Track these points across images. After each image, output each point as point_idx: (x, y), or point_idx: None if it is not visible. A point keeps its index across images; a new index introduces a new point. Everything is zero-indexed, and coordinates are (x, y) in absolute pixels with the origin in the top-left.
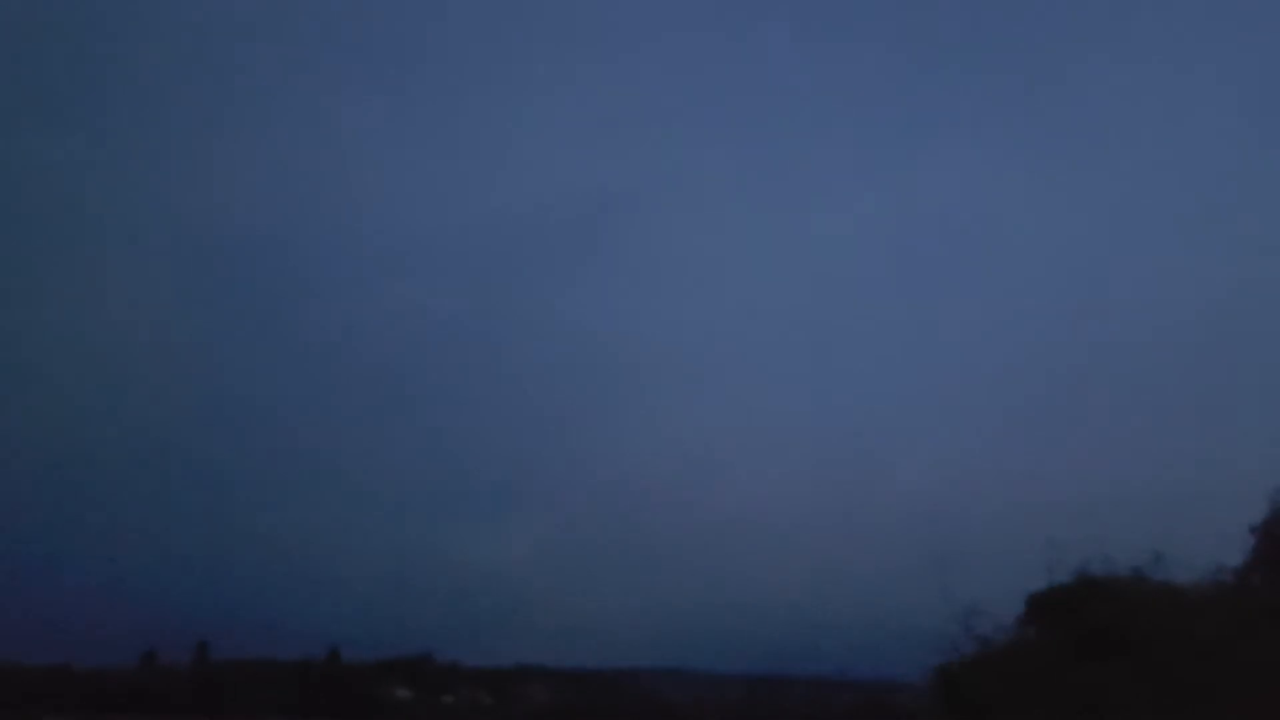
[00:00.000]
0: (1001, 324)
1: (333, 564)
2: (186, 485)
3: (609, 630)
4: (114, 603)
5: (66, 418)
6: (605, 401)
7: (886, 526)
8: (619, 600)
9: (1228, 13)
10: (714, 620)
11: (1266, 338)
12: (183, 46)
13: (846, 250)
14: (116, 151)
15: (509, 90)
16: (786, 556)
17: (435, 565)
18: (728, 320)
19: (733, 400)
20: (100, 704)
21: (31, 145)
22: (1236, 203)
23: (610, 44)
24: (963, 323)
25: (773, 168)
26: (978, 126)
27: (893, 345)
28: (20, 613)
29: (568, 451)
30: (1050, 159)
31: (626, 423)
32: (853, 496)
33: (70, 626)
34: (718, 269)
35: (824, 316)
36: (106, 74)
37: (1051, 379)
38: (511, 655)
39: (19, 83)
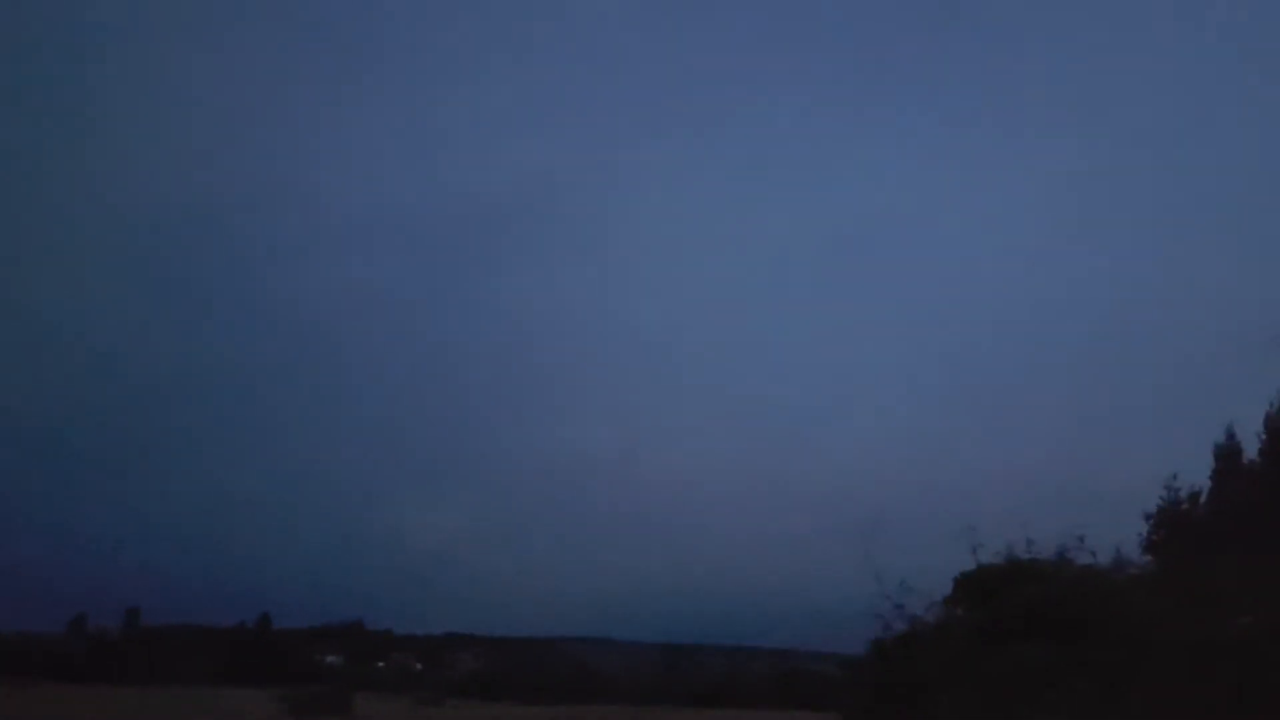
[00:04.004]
0: (929, 314)
1: (265, 532)
2: (117, 452)
3: (535, 601)
4: (42, 568)
5: None
6: (538, 379)
7: (814, 502)
8: (546, 572)
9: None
10: (637, 592)
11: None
12: (125, 21)
13: (785, 238)
14: (64, 124)
15: (456, 70)
16: (713, 530)
17: (368, 536)
18: (664, 302)
19: (665, 378)
20: (27, 670)
21: None
22: (1159, 200)
23: (558, 29)
24: (894, 311)
25: (715, 156)
26: (918, 117)
27: (826, 331)
28: None
29: (501, 427)
30: (982, 155)
31: (559, 400)
32: (782, 472)
33: None
34: (655, 252)
35: (761, 300)
36: (52, 47)
37: (971, 365)
38: (441, 624)
39: None
